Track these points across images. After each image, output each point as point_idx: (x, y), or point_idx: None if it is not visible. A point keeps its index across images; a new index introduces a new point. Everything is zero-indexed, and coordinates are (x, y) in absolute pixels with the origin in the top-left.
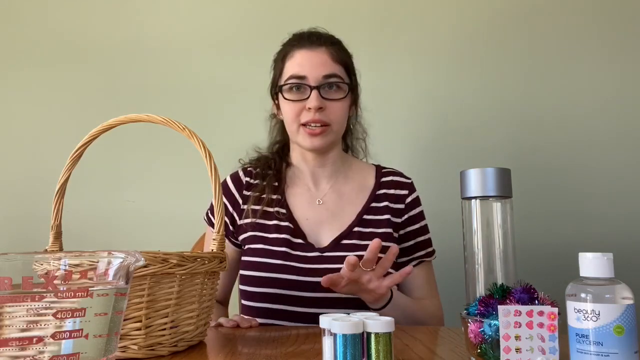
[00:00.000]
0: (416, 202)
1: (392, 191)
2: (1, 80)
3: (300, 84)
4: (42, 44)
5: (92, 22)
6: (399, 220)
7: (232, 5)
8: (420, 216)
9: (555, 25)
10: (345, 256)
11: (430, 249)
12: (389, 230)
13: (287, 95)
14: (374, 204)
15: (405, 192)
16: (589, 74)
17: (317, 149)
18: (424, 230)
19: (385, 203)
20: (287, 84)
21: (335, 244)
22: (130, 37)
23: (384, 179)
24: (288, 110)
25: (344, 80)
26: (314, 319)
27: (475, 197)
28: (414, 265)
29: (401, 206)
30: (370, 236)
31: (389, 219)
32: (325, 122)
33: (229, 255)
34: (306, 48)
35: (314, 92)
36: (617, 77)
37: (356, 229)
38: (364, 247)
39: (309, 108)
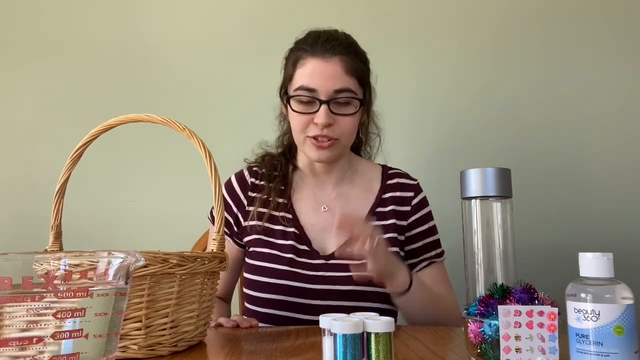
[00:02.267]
0: (423, 203)
1: (397, 194)
2: (1, 80)
3: (309, 97)
4: (42, 43)
5: (92, 21)
6: (404, 223)
7: (232, 5)
8: (428, 217)
9: (558, 27)
10: (350, 264)
11: (439, 250)
12: (394, 234)
13: (295, 107)
14: (379, 209)
15: (411, 194)
16: (589, 75)
17: (324, 161)
18: (432, 231)
19: (391, 207)
20: (296, 95)
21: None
22: (131, 36)
23: (389, 182)
24: (296, 120)
25: (356, 94)
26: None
27: (475, 197)
28: (424, 267)
29: (407, 208)
30: None
31: (394, 224)
32: (333, 137)
33: (232, 254)
34: (318, 57)
35: (323, 107)
36: (617, 78)
37: None
38: None
39: (317, 123)
